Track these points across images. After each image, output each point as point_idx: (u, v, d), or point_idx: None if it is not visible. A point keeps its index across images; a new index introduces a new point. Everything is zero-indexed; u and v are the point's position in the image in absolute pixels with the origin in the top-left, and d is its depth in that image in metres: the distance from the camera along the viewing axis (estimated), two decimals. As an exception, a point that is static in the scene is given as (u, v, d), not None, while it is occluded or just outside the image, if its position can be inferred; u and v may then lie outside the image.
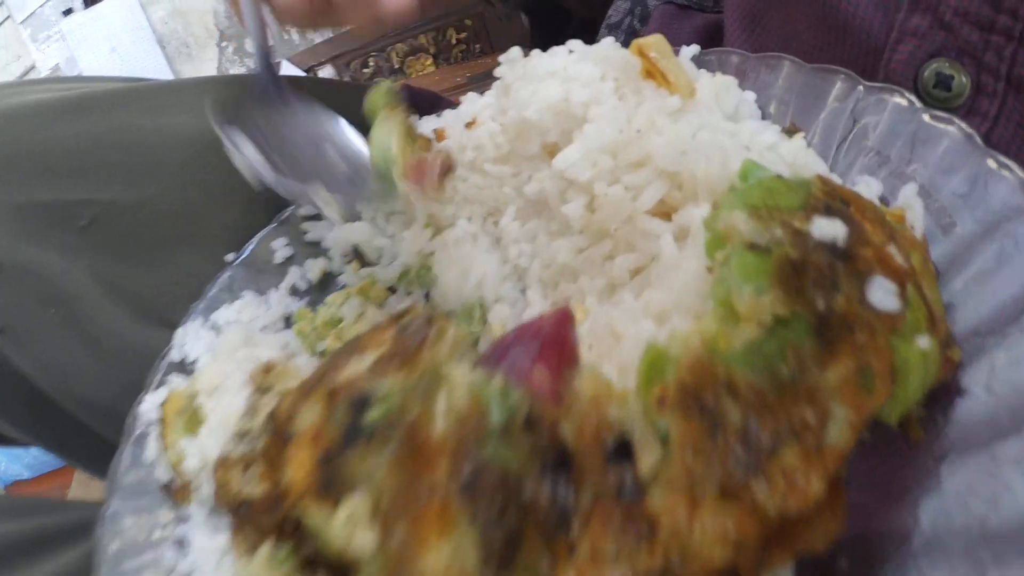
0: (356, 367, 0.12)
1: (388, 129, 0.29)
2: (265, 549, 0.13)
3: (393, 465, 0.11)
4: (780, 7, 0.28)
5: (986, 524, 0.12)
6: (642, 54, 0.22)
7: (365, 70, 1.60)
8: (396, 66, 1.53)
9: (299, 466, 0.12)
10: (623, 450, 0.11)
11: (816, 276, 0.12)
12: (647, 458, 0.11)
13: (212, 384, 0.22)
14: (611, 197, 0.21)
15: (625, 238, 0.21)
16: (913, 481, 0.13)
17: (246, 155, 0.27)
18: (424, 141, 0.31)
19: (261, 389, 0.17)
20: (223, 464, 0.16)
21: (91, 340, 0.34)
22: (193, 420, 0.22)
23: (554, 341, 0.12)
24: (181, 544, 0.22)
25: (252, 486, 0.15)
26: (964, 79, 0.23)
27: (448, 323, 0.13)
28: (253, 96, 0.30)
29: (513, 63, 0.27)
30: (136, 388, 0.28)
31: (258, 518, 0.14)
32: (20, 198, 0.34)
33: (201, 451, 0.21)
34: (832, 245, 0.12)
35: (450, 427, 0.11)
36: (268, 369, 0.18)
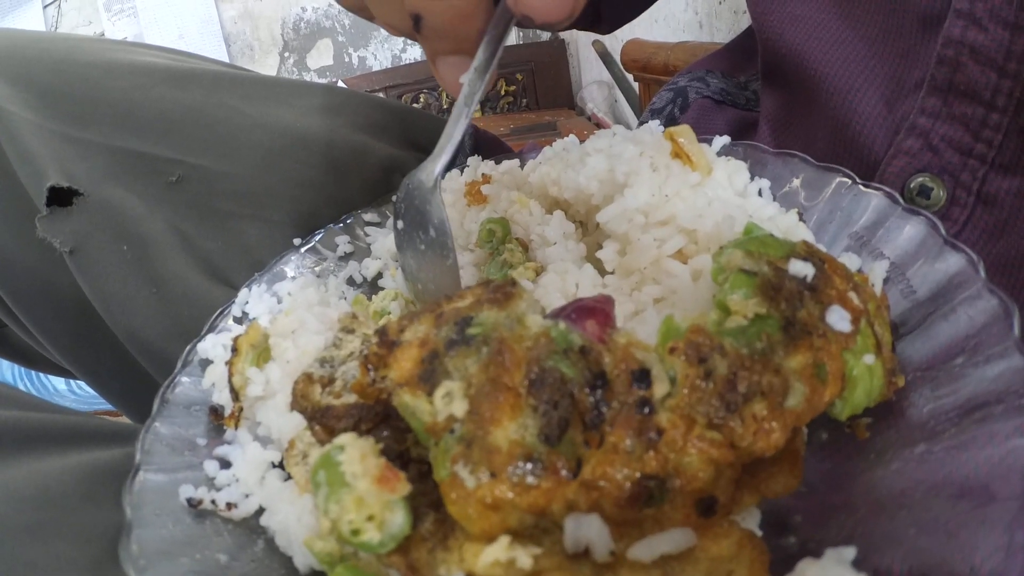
0: (458, 303, 0.17)
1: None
2: (354, 438, 0.16)
3: (483, 366, 0.15)
4: (803, 118, 0.35)
5: (908, 495, 0.16)
6: (672, 139, 0.29)
7: (415, 104, 1.67)
8: (445, 106, 1.60)
9: (404, 363, 0.16)
10: (644, 378, 0.15)
11: (787, 295, 0.17)
12: (660, 388, 0.15)
13: (288, 328, 0.26)
14: (642, 243, 0.26)
15: (651, 275, 0.26)
16: (858, 468, 0.18)
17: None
18: None
19: (346, 330, 0.22)
20: (306, 379, 0.20)
21: (157, 281, 0.36)
22: (263, 355, 0.26)
23: (600, 311, 0.17)
24: (221, 461, 0.24)
25: (330, 398, 0.19)
26: (942, 192, 0.28)
27: (525, 289, 0.17)
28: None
29: (552, 160, 0.32)
30: (189, 333, 0.30)
31: (334, 422, 0.18)
32: (116, 142, 0.37)
33: (265, 381, 0.25)
34: (803, 279, 0.17)
35: (527, 347, 0.15)
36: (354, 316, 0.22)
